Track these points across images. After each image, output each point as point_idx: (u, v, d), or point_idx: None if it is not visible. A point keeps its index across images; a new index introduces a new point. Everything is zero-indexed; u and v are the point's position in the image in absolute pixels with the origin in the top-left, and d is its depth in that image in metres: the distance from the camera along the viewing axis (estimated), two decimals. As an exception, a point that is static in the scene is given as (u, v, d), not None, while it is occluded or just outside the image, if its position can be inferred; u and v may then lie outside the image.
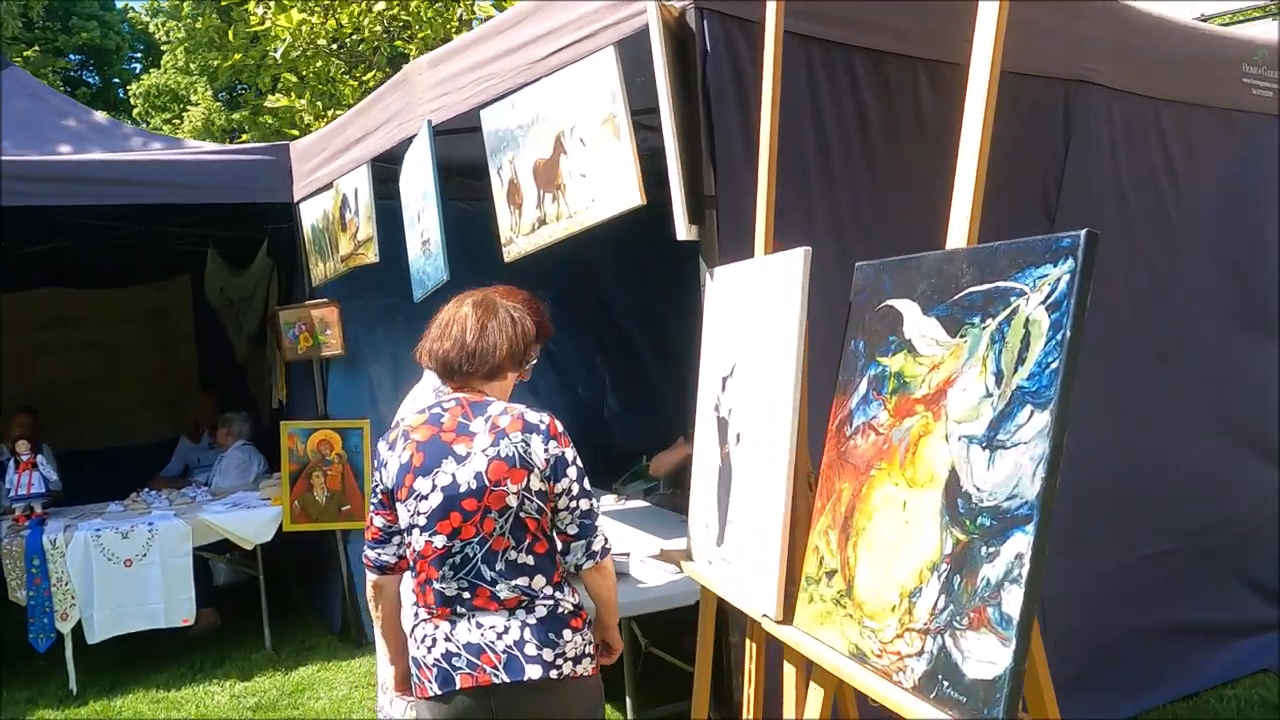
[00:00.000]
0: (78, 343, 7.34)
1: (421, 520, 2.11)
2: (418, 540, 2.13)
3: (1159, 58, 3.48)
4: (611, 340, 5.69)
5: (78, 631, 4.60)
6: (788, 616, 1.83)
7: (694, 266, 2.43)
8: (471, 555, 2.09)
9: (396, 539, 2.21)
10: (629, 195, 2.63)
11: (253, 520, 4.92)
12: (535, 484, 2.10)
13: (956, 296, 1.54)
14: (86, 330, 7.38)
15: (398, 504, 2.16)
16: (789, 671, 1.92)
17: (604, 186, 2.73)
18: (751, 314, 2.05)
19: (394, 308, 5.01)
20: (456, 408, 2.20)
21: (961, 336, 1.52)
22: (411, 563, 2.18)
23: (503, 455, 2.10)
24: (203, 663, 4.93)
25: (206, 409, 6.93)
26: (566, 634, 2.13)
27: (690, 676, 3.34)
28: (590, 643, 2.19)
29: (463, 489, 2.09)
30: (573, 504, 2.17)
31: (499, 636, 2.08)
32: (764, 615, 1.85)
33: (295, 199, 4.93)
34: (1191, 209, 3.61)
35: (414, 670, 2.18)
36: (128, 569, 4.70)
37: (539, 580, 2.12)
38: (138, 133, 5.58)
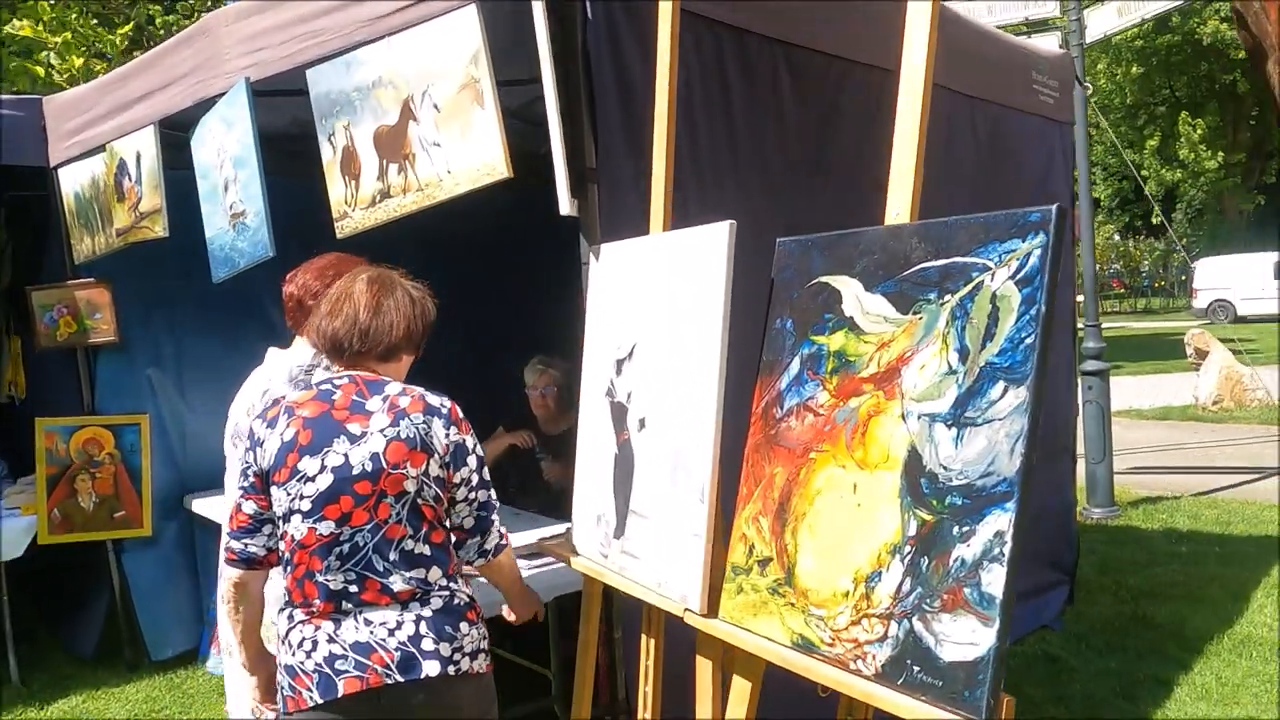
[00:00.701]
0: None
1: (305, 505, 1.91)
2: (298, 527, 1.92)
3: (976, 59, 3.69)
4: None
5: None
6: (712, 609, 1.74)
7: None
8: (362, 544, 1.91)
9: (268, 528, 2.00)
10: (494, 167, 2.45)
11: (6, 532, 4.25)
12: (434, 470, 1.96)
13: (907, 273, 1.51)
14: None
15: (274, 487, 1.95)
16: (703, 666, 1.84)
17: (463, 157, 2.53)
18: (657, 292, 1.95)
19: (176, 290, 4.51)
20: (350, 384, 2.02)
21: (915, 313, 1.49)
22: (287, 554, 1.95)
23: (403, 436, 1.94)
24: (-63, 702, 4.22)
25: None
26: (464, 627, 1.98)
27: (537, 675, 3.23)
28: (485, 637, 2.04)
29: (356, 470, 1.91)
30: (471, 495, 2.03)
31: (390, 633, 1.90)
32: (686, 609, 1.75)
33: (52, 163, 4.29)
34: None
35: (285, 679, 1.94)
36: None
37: (435, 572, 1.96)
38: None
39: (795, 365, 1.69)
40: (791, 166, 2.82)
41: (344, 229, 2.91)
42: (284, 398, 2.05)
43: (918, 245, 1.51)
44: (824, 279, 1.66)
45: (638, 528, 1.94)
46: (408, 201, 2.71)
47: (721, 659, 1.82)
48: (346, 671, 1.86)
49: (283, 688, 1.96)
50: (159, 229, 3.67)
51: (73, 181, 4.18)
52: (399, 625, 1.90)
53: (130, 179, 3.77)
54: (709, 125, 2.65)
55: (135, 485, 4.40)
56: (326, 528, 1.90)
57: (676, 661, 2.06)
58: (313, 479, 1.91)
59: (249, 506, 1.99)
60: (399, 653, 1.88)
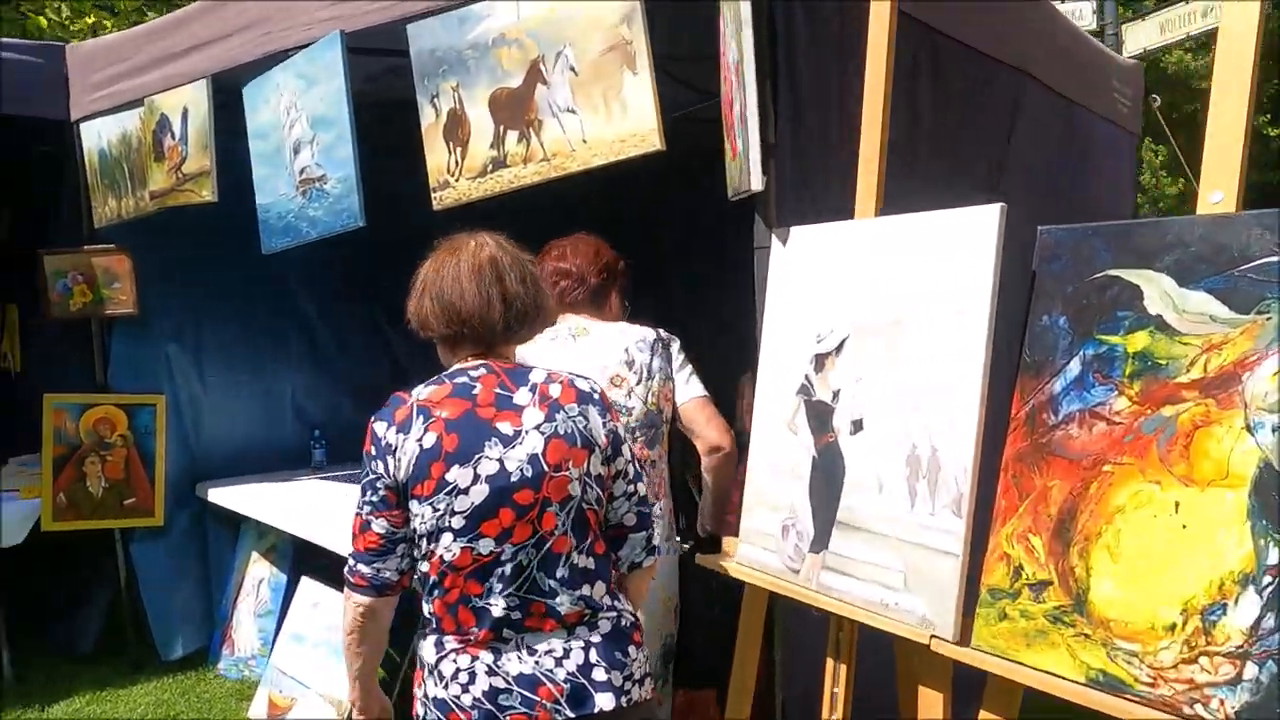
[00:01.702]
0: None
1: (457, 522, 1.67)
2: (449, 548, 1.68)
3: (1074, 61, 3.57)
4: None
5: None
6: (964, 637, 1.55)
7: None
8: (526, 563, 1.68)
9: (402, 548, 1.74)
10: (645, 138, 2.24)
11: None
12: (596, 467, 1.74)
13: (1245, 267, 1.34)
14: None
15: (415, 502, 1.69)
16: (929, 699, 1.65)
17: (604, 126, 2.31)
18: (884, 280, 1.75)
19: (198, 261, 4.19)
20: (490, 375, 1.76)
21: (1260, 313, 1.32)
22: (434, 577, 1.71)
23: (561, 432, 1.71)
24: (-79, 701, 3.84)
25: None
26: (632, 651, 1.78)
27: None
28: (649, 658, 1.84)
29: (515, 478, 1.68)
30: (630, 487, 1.82)
31: (558, 663, 1.69)
32: (934, 636, 1.56)
33: (73, 116, 3.94)
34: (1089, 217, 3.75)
35: (433, 714, 1.71)
36: None
37: (599, 588, 1.75)
38: None
39: (1075, 366, 1.51)
40: (943, 158, 2.66)
41: (443, 199, 2.67)
42: (410, 396, 1.76)
43: (1258, 236, 1.34)
44: (1115, 272, 1.49)
45: (849, 541, 1.75)
46: (528, 172, 2.48)
47: (949, 692, 1.63)
48: (512, 708, 1.65)
49: (427, 715, 1.73)
50: (206, 193, 3.37)
51: (98, 137, 3.85)
52: (566, 654, 1.70)
53: (173, 137, 3.46)
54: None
55: (148, 470, 4.07)
56: (485, 547, 1.67)
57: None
58: (465, 491, 1.67)
59: (379, 525, 1.72)
60: (568, 685, 1.67)
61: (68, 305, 4.00)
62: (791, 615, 2.08)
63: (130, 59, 3.67)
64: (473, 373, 1.77)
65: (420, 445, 1.68)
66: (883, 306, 1.74)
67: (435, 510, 1.67)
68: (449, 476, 1.67)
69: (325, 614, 3.64)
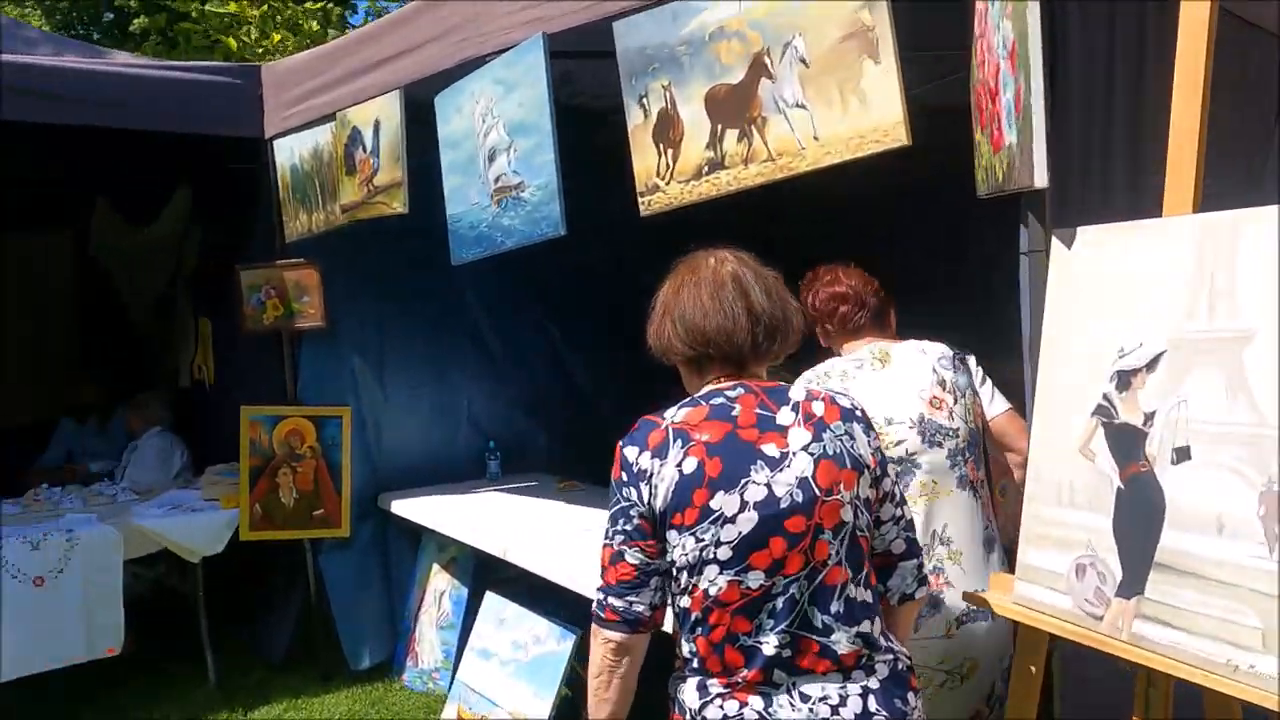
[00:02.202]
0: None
1: (724, 553, 1.56)
2: (714, 581, 1.56)
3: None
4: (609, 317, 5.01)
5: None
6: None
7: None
8: (798, 596, 1.56)
9: (655, 580, 1.63)
10: (890, 132, 2.04)
11: (201, 527, 3.99)
12: (864, 489, 1.62)
13: None
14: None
15: (673, 531, 1.59)
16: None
17: (839, 121, 2.12)
18: (1223, 287, 1.50)
19: (379, 273, 4.22)
20: (749, 396, 1.65)
21: None
22: (696, 613, 1.59)
23: (830, 453, 1.60)
24: (130, 703, 3.98)
25: (90, 387, 5.81)
26: (910, 698, 1.62)
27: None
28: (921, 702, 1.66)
29: (785, 504, 1.56)
30: (897, 512, 1.70)
31: (834, 710, 1.55)
32: (1304, 708, 1.31)
33: (268, 134, 4.02)
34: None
35: None
36: (38, 589, 3.69)
37: (876, 625, 1.62)
38: (47, 37, 4.45)
39: None
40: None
41: (651, 204, 2.54)
42: (663, 419, 1.66)
43: None
44: None
45: (1175, 587, 1.50)
46: (749, 173, 2.31)
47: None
48: None
49: None
50: (397, 205, 3.34)
51: (290, 153, 3.91)
52: (843, 700, 1.56)
53: (364, 150, 3.46)
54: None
55: (335, 482, 4.11)
56: (755, 580, 1.55)
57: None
58: (732, 520, 1.55)
59: (633, 556, 1.61)
60: None
61: (261, 319, 4.09)
62: (1074, 662, 1.85)
63: (322, 75, 3.70)
64: (729, 393, 1.66)
65: (680, 471, 1.58)
66: (1218, 317, 1.49)
67: (698, 540, 1.56)
68: (713, 504, 1.55)
69: (512, 630, 3.58)
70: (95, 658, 3.78)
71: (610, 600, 1.63)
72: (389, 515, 4.22)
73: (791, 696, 1.55)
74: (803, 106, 2.19)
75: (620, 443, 1.67)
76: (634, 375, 5.16)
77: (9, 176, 4.95)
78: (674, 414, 1.65)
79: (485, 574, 4.10)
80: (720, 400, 1.65)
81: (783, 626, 1.55)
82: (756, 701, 1.55)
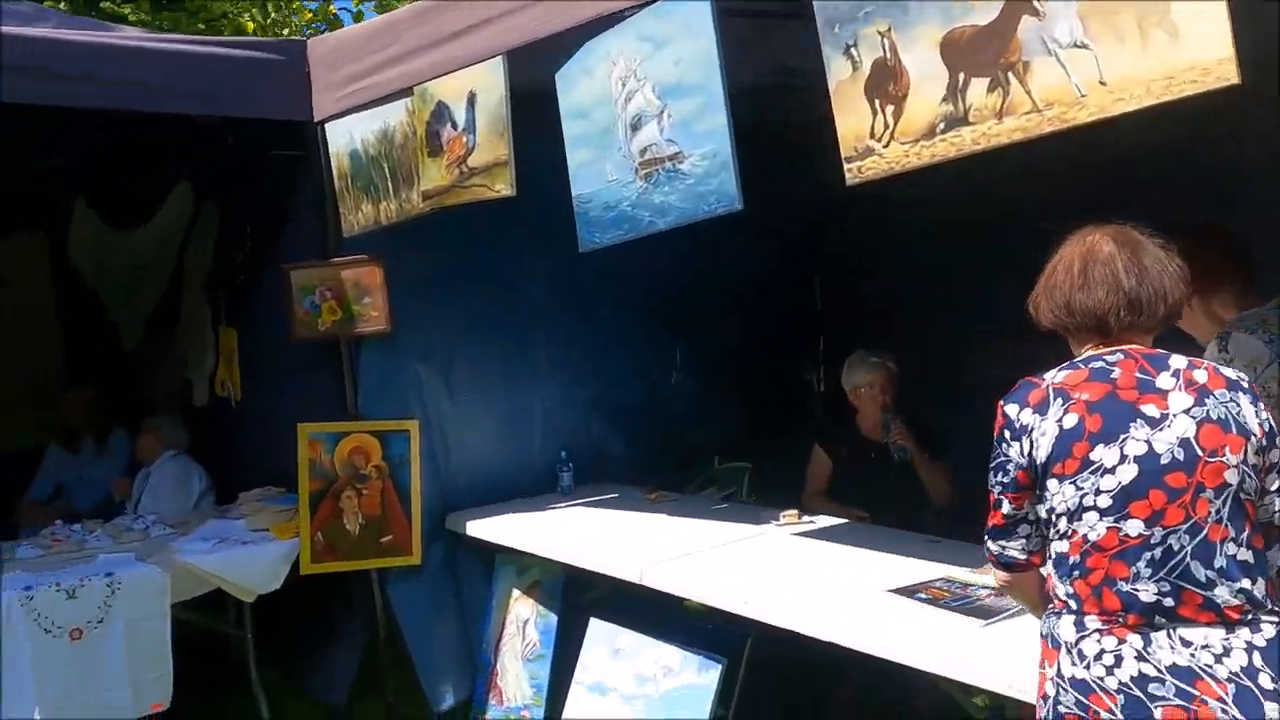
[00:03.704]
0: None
1: (1103, 501, 1.67)
2: (1093, 527, 1.68)
3: None
4: (694, 320, 4.66)
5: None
6: None
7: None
8: (1178, 548, 1.63)
9: (1024, 529, 1.81)
10: (1212, 69, 1.73)
11: (256, 562, 3.53)
12: (1251, 456, 1.67)
13: None
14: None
15: (1054, 480, 1.72)
16: None
17: (1138, 60, 1.81)
18: None
19: (445, 269, 3.82)
20: (1128, 361, 1.76)
21: None
22: (1074, 557, 1.70)
23: (1213, 417, 1.67)
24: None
25: (80, 409, 5.24)
26: None
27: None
28: None
29: (1165, 460, 1.65)
30: None
31: (1217, 659, 1.60)
32: None
33: (317, 116, 3.56)
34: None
35: (1069, 694, 1.67)
36: (74, 643, 3.20)
37: (1260, 586, 1.65)
38: (44, 12, 3.88)
39: None
40: None
41: (864, 169, 2.20)
42: (1043, 380, 1.80)
43: None
44: None
45: None
46: (1005, 128, 1.98)
47: None
48: (1164, 699, 1.58)
49: (1057, 699, 1.69)
50: (501, 186, 2.94)
51: (348, 137, 3.46)
52: (1226, 651, 1.60)
53: (455, 127, 3.05)
54: None
55: (403, 504, 3.68)
56: (1134, 528, 1.65)
57: None
58: (1111, 471, 1.67)
59: (1006, 506, 1.80)
60: (1232, 685, 1.57)
61: (315, 324, 3.64)
62: None
63: (388, 48, 3.27)
64: (1109, 358, 1.77)
65: (1060, 425, 1.72)
66: None
67: (1078, 489, 1.69)
68: (1093, 456, 1.68)
69: (632, 661, 3.21)
70: (141, 716, 3.30)
71: (988, 543, 1.86)
72: (458, 537, 3.80)
73: (1171, 639, 1.61)
74: (1084, 46, 1.87)
75: (1001, 401, 1.82)
76: (715, 376, 4.92)
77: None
78: (1054, 376, 1.78)
79: (574, 599, 3.73)
80: (1099, 364, 1.76)
81: (1161, 575, 1.62)
82: (1135, 640, 1.62)
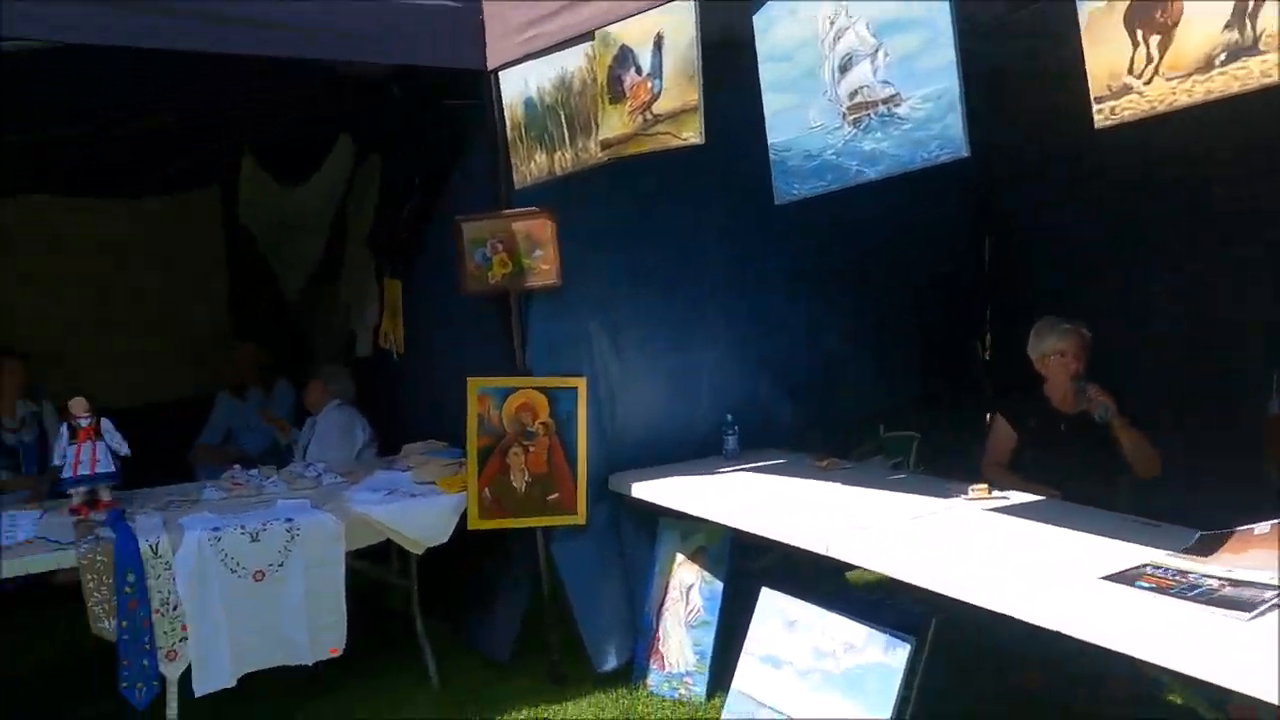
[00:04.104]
0: (66, 270, 5.60)
1: None
2: None
3: None
4: (861, 282, 4.45)
5: (186, 678, 3.17)
6: None
7: None
8: None
9: None
10: None
11: (426, 514, 3.53)
12: None
13: None
14: (77, 254, 5.64)
15: None
16: None
17: None
18: None
19: (617, 225, 3.72)
20: None
21: None
22: None
23: None
24: (348, 705, 3.56)
25: (248, 360, 5.41)
26: None
27: None
28: None
29: None
30: None
31: None
32: None
33: (491, 65, 3.49)
34: None
35: None
36: (258, 584, 3.26)
37: None
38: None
39: None
40: None
41: (1117, 110, 1.96)
42: None
43: None
44: None
45: None
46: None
47: None
48: None
49: None
50: (689, 134, 2.79)
51: (523, 85, 3.38)
52: None
53: (639, 71, 2.91)
54: None
55: (569, 462, 3.62)
56: None
57: None
58: None
59: None
60: None
61: (485, 277, 3.59)
62: None
63: (563, -8, 3.16)
64: None
65: None
66: None
67: None
68: None
69: (809, 635, 3.08)
70: (319, 659, 3.36)
71: None
72: (621, 498, 3.73)
73: None
74: None
75: None
76: (881, 341, 4.72)
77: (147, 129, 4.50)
78: None
79: (741, 565, 3.62)
80: None
81: None
82: None
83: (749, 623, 3.29)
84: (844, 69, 2.41)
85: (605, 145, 3.08)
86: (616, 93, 3.01)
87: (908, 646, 2.81)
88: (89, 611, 3.06)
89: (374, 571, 3.74)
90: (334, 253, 5.16)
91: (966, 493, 3.14)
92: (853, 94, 2.40)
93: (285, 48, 3.17)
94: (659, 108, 2.88)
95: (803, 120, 2.53)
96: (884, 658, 2.85)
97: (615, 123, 3.04)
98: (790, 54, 2.55)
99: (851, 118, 2.41)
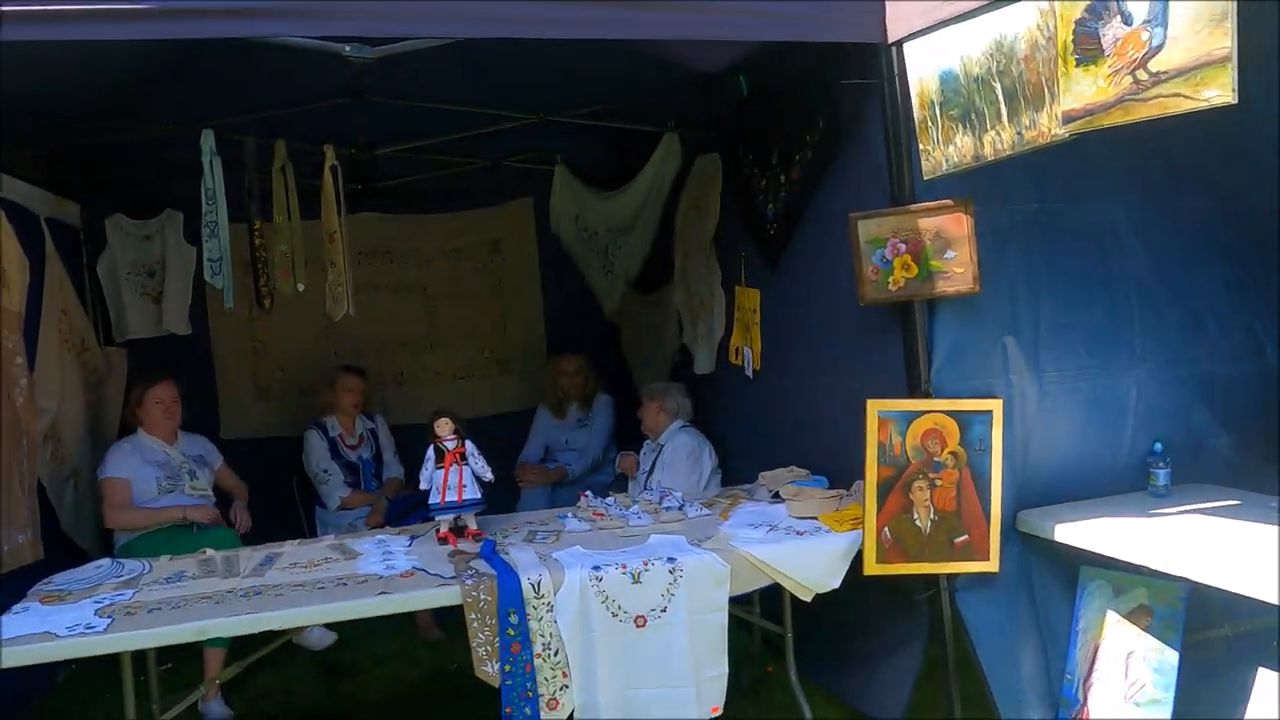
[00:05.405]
0: (390, 284, 5.64)
1: None
2: None
3: None
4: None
5: (569, 729, 2.88)
6: None
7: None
8: None
9: None
10: None
11: (816, 556, 3.08)
12: None
13: None
14: (400, 268, 5.67)
15: None
16: None
17: None
18: None
19: (1033, 222, 3.13)
20: None
21: None
22: None
23: None
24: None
25: (569, 375, 5.19)
26: None
27: None
28: None
29: None
30: None
31: None
32: None
33: (891, 38, 3.01)
34: None
35: None
36: (639, 630, 2.93)
37: None
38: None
39: None
40: None
41: None
42: None
43: None
44: None
45: None
46: None
47: None
48: None
49: None
50: (1216, 91, 2.17)
51: (937, 56, 2.87)
52: None
53: (1127, 21, 2.33)
54: None
55: (981, 499, 3.06)
56: None
57: None
58: None
59: None
60: None
61: (886, 284, 3.09)
62: None
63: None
64: None
65: None
66: None
67: None
68: None
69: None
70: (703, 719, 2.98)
71: None
72: (1033, 541, 3.13)
73: None
74: None
75: None
76: None
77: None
78: None
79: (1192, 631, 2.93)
80: None
81: None
82: None
83: (1211, 702, 2.62)
84: None
85: (1070, 117, 2.50)
86: (1089, 51, 2.44)
87: None
88: (473, 653, 2.82)
89: (747, 616, 3.34)
90: (657, 262, 4.85)
91: None
92: None
93: (689, 30, 2.86)
94: (1161, 63, 2.28)
95: None
96: None
97: (1086, 88, 2.46)
98: None
99: None
